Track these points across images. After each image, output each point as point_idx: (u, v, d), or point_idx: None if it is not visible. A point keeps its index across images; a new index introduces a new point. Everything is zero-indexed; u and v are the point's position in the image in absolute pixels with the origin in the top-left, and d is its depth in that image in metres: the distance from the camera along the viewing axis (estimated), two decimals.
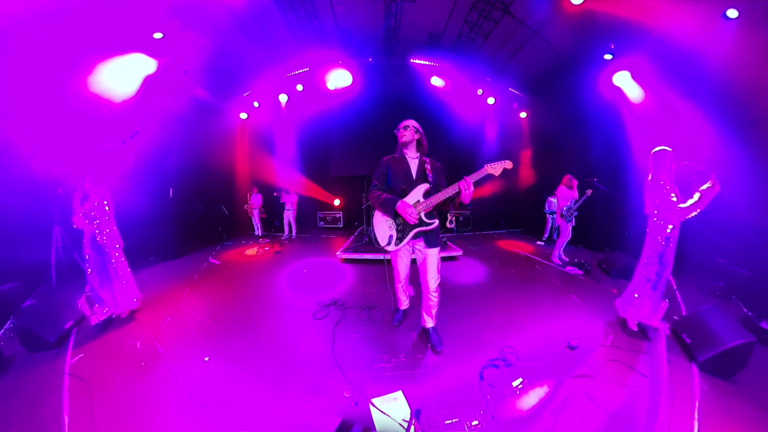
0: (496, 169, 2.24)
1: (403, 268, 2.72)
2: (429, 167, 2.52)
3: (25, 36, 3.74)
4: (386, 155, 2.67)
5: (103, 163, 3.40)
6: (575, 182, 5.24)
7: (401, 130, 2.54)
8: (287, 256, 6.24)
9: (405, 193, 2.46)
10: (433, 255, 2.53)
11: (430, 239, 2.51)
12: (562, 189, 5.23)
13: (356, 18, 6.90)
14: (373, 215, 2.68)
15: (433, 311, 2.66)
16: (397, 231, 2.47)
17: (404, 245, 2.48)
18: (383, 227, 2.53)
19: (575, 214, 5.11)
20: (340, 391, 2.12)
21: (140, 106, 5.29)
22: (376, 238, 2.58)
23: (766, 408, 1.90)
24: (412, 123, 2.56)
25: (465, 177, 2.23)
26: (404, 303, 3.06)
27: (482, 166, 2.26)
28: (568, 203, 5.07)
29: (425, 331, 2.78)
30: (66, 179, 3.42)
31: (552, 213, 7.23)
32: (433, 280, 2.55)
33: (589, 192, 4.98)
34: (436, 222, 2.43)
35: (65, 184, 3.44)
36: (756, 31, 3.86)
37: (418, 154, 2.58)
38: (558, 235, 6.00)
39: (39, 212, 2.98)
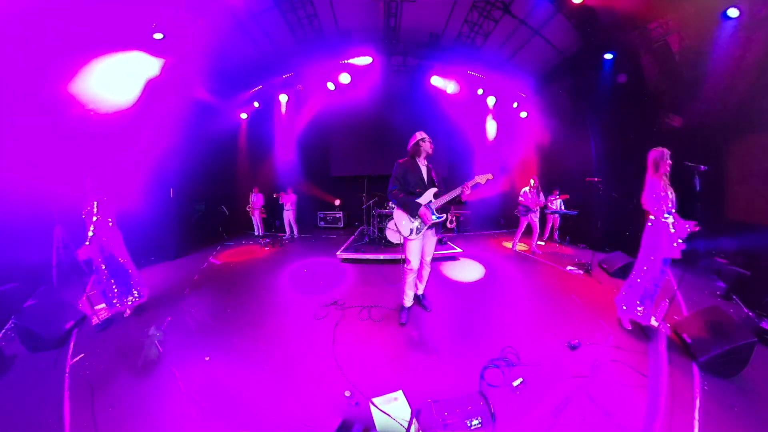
0: (482, 179, 2.83)
1: (415, 258, 3.04)
2: (434, 174, 3.11)
3: (23, 32, 3.73)
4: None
5: (103, 163, 3.40)
6: (537, 184, 6.02)
7: (428, 143, 3.03)
8: (288, 256, 6.24)
9: (420, 194, 2.98)
10: (434, 237, 3.18)
11: (438, 228, 3.13)
12: (526, 192, 5.96)
13: (356, 18, 6.90)
14: (393, 210, 3.26)
15: (425, 279, 3.38)
16: (419, 224, 3.00)
17: (422, 234, 3.03)
18: (405, 221, 3.02)
19: (531, 212, 5.99)
20: (340, 391, 2.12)
21: (142, 107, 5.30)
22: (399, 230, 3.11)
23: (766, 408, 1.90)
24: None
25: (466, 183, 2.83)
26: (410, 299, 3.20)
27: (478, 169, 2.90)
28: (528, 203, 5.93)
29: (417, 297, 3.43)
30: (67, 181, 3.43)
31: (552, 213, 7.24)
32: (430, 254, 3.22)
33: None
34: (444, 215, 3.01)
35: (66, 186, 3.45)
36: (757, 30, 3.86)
37: (426, 161, 3.08)
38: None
39: (39, 212, 2.98)
